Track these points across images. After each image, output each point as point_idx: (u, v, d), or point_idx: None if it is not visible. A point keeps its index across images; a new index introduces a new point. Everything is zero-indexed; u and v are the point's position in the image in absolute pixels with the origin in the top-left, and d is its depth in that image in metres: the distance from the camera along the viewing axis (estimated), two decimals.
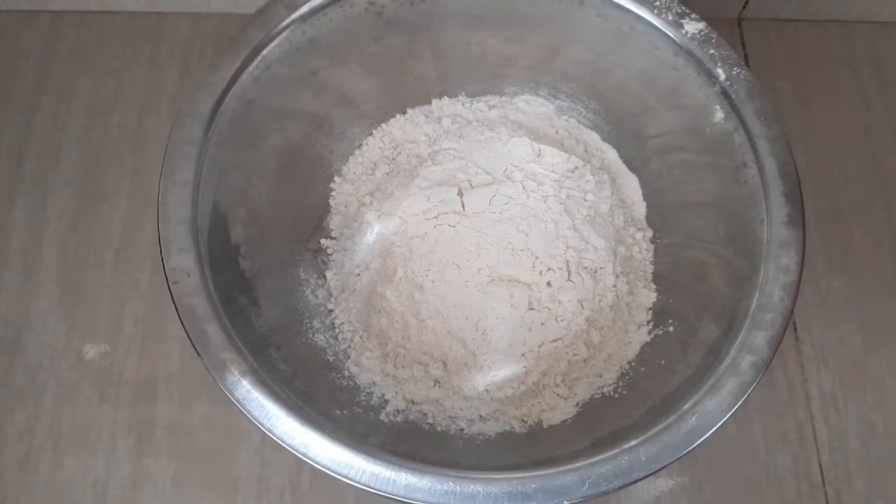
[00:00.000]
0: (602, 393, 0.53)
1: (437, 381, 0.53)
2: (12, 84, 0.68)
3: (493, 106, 0.62)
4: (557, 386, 0.53)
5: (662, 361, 0.52)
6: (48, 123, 0.66)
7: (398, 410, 0.52)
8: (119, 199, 0.64)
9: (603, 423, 0.50)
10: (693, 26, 0.52)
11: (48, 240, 0.62)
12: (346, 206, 0.59)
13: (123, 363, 0.59)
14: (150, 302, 0.61)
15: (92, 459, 0.56)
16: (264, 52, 0.52)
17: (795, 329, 0.61)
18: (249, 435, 0.57)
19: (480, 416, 0.52)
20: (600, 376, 0.53)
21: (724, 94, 0.52)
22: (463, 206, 0.55)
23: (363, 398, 0.52)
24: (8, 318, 0.60)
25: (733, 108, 0.51)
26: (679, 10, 0.53)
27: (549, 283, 0.53)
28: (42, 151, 0.65)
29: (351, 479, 0.42)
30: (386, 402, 0.52)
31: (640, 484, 0.56)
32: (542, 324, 0.53)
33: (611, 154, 0.60)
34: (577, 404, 0.52)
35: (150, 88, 0.68)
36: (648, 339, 0.54)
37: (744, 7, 0.70)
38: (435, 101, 0.62)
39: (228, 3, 0.69)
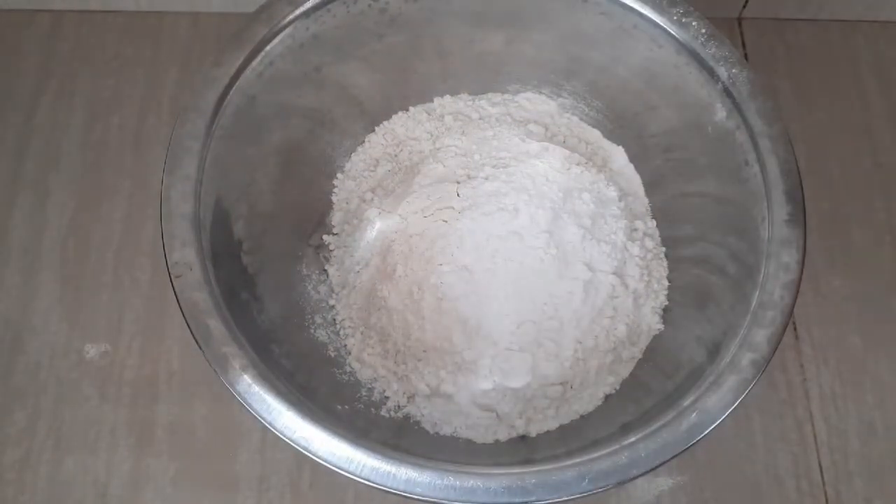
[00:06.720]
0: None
1: (437, 378, 0.53)
2: (12, 84, 0.68)
3: (496, 103, 0.62)
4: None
5: (663, 359, 0.52)
6: (48, 123, 0.66)
7: (399, 406, 0.52)
8: (119, 199, 0.64)
9: (603, 420, 0.50)
10: (695, 25, 0.53)
11: (48, 240, 0.62)
12: (347, 203, 0.59)
13: (124, 362, 0.59)
14: (151, 301, 0.60)
15: (92, 459, 0.56)
16: (268, 48, 0.52)
17: (795, 328, 0.61)
18: (250, 434, 0.57)
19: (480, 412, 0.52)
20: None
21: (726, 93, 0.52)
22: (464, 203, 0.55)
23: (364, 394, 0.52)
24: (8, 317, 0.60)
25: (735, 107, 0.51)
26: (681, 9, 0.53)
27: (550, 281, 0.53)
28: (42, 151, 0.65)
29: (351, 473, 0.42)
30: (387, 398, 0.52)
31: (639, 483, 0.56)
32: (543, 321, 0.53)
33: (613, 151, 0.60)
34: None
35: (150, 88, 0.68)
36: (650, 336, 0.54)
37: (744, 6, 0.70)
38: (437, 99, 0.62)
39: (229, 2, 0.69)
